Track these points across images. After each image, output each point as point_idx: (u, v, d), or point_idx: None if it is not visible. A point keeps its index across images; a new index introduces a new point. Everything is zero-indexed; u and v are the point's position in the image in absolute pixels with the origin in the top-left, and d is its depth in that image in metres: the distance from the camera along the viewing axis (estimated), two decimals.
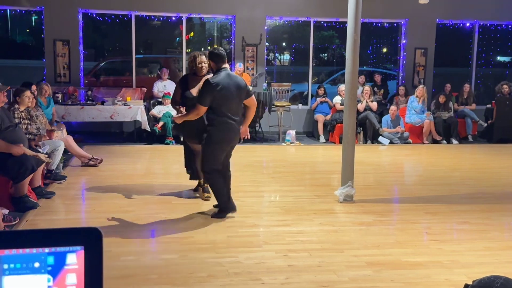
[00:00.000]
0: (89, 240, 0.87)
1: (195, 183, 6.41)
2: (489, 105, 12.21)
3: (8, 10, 12.41)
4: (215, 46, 5.56)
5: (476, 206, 6.08)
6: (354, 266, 4.22)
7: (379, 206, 6.04)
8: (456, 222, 5.46)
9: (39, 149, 6.20)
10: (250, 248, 4.59)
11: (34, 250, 0.84)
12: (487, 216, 5.67)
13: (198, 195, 6.25)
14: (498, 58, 16.21)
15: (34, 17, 16.62)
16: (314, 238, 4.89)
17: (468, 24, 12.78)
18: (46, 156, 6.08)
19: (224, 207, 5.41)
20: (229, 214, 5.43)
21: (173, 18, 11.82)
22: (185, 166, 6.37)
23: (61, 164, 7.38)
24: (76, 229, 0.88)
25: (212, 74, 5.38)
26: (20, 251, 0.84)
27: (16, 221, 4.77)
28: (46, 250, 0.84)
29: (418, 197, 6.49)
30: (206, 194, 6.12)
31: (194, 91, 5.77)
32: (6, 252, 0.84)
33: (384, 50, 20.50)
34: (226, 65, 5.33)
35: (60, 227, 0.90)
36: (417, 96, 11.10)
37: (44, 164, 6.03)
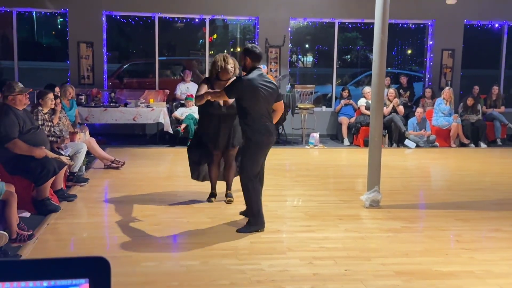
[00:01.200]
0: (95, 271, 0.75)
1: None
2: None
3: (34, 12, 12.51)
4: (253, 44, 5.18)
5: (508, 212, 5.85)
6: (382, 276, 4.06)
7: (406, 212, 5.86)
8: (488, 230, 5.25)
9: (61, 152, 6.17)
10: (273, 255, 4.46)
11: (31, 284, 0.72)
12: None
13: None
14: None
15: (59, 20, 16.77)
16: (340, 245, 4.73)
17: (497, 25, 12.45)
18: (68, 158, 6.04)
19: (254, 221, 5.08)
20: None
21: (196, 20, 11.76)
22: (192, 171, 6.20)
23: (84, 167, 7.36)
24: (80, 259, 0.76)
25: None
26: (15, 284, 0.72)
27: (30, 232, 4.68)
28: (45, 283, 0.72)
29: (447, 203, 6.27)
30: (228, 198, 6.05)
31: None
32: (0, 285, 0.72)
33: (409, 51, 20.20)
34: (260, 65, 5.15)
35: (62, 257, 0.78)
36: (444, 98, 10.83)
37: (66, 166, 5.99)
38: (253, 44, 5.23)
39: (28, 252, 4.40)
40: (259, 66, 5.06)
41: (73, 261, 0.76)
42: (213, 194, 6.15)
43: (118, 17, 11.51)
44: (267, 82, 5.01)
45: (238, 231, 5.03)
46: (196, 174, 6.19)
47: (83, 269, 0.74)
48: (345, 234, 5.05)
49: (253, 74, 4.96)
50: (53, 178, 5.60)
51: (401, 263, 4.31)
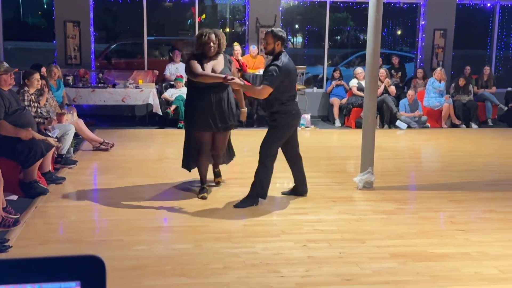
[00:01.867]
0: (88, 273, 0.64)
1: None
2: (509, 88, 11.84)
3: None
4: (278, 28, 5.15)
5: (502, 193, 5.82)
6: (378, 258, 4.01)
7: (400, 194, 5.81)
8: (482, 211, 5.22)
9: (49, 133, 6.03)
10: (268, 238, 4.39)
11: None
12: None
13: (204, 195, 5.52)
14: None
15: (45, 0, 16.44)
16: (334, 227, 4.68)
17: (488, 5, 12.35)
18: (56, 140, 5.90)
19: (254, 195, 5.16)
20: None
21: None
22: (187, 157, 5.70)
23: (72, 149, 7.22)
24: (70, 259, 0.65)
25: (269, 56, 5.23)
26: None
27: (17, 216, 4.57)
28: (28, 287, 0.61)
29: (441, 184, 6.24)
30: (217, 179, 5.93)
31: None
32: None
33: (399, 32, 20.07)
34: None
35: (50, 256, 0.67)
36: (436, 79, 10.76)
37: (54, 148, 5.85)
38: (279, 28, 5.32)
39: (16, 236, 4.30)
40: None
41: (62, 261, 0.65)
42: (205, 189, 5.56)
43: None
44: (293, 65, 5.23)
45: (235, 206, 5.15)
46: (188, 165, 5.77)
47: (74, 270, 0.63)
48: (339, 216, 4.99)
49: (285, 58, 5.04)
50: (41, 160, 5.47)
51: (396, 245, 4.27)
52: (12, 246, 4.04)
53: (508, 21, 12.96)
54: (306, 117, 10.41)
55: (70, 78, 10.17)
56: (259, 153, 5.20)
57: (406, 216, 5.06)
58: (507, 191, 5.92)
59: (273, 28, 5.18)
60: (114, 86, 10.20)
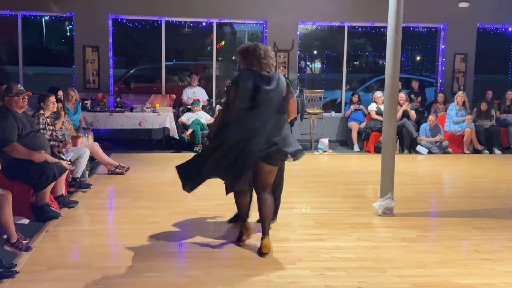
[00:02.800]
0: None
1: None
2: None
3: (41, 17, 12.39)
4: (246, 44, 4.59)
5: None
6: None
7: (421, 220, 5.59)
8: (508, 239, 4.97)
9: (62, 156, 5.97)
10: (282, 265, 4.21)
11: None
12: None
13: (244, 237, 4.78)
14: None
15: (68, 27, 16.67)
16: (352, 255, 4.48)
17: (510, 29, 12.17)
18: (69, 163, 5.84)
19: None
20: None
21: (204, 24, 11.58)
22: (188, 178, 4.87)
23: (87, 172, 7.17)
24: None
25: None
26: None
27: (27, 241, 4.48)
28: None
29: (464, 211, 6.00)
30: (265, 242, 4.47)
31: None
32: None
33: (418, 58, 19.92)
34: None
35: None
36: (457, 104, 10.55)
37: (67, 172, 5.78)
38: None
39: (25, 260, 4.19)
40: None
41: None
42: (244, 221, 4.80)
43: (125, 21, 11.34)
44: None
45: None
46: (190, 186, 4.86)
47: None
48: (358, 243, 4.80)
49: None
50: (53, 184, 5.39)
51: (418, 275, 4.05)
52: (19, 272, 3.93)
53: None
54: (324, 141, 10.26)
55: (88, 102, 10.21)
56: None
57: (428, 244, 4.84)
58: None
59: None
60: (131, 110, 10.20)
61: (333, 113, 12.04)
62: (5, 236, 4.25)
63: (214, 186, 5.91)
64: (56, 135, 6.55)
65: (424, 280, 3.95)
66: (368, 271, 4.12)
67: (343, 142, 11.42)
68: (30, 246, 4.42)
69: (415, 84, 11.81)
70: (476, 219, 5.66)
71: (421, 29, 12.63)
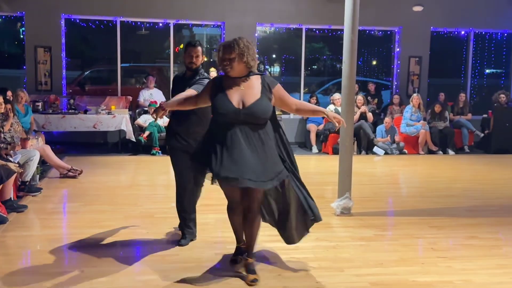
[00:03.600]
0: None
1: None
2: (485, 115, 11.87)
3: None
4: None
5: (483, 219, 5.66)
6: (357, 287, 3.77)
7: (379, 220, 5.61)
8: (464, 237, 5.03)
9: (10, 158, 5.71)
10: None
11: None
12: (497, 230, 5.27)
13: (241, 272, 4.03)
14: (488, 70, 15.96)
15: (22, 29, 16.18)
16: (311, 255, 4.44)
17: (463, 32, 12.48)
18: (18, 165, 5.59)
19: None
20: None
21: (160, 25, 11.40)
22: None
23: (37, 176, 6.90)
24: None
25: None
26: None
27: None
28: None
29: (420, 210, 6.06)
30: (252, 277, 3.84)
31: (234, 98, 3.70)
32: None
33: (374, 62, 20.22)
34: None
35: None
36: (413, 106, 10.73)
37: (15, 174, 5.54)
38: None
39: None
40: None
41: None
42: (241, 250, 4.19)
43: (78, 21, 11.04)
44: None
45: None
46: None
47: None
48: (316, 243, 4.76)
49: None
50: (0, 187, 5.14)
51: (376, 274, 4.04)
52: None
53: (482, 49, 13.10)
54: None
55: (40, 104, 9.88)
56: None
57: (386, 243, 4.84)
58: (487, 217, 5.77)
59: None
60: (85, 112, 9.94)
61: (291, 115, 12.04)
62: None
63: (171, 189, 5.79)
64: (4, 137, 6.28)
65: (382, 279, 3.93)
66: (326, 271, 4.08)
67: (301, 144, 11.43)
68: None
69: (371, 87, 11.96)
70: (432, 217, 5.71)
71: (376, 33, 12.82)
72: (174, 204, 4.75)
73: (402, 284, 3.85)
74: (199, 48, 4.52)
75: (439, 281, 3.92)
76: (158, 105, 10.48)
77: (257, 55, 3.76)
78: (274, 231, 5.05)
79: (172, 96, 4.46)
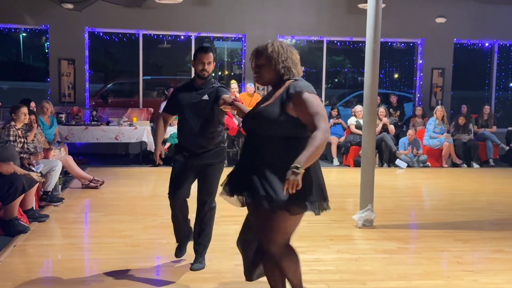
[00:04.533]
0: None
1: None
2: (510, 128, 11.66)
3: (21, 36, 12.18)
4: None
5: (509, 232, 5.53)
6: None
7: (402, 232, 5.51)
8: (489, 251, 4.91)
9: (33, 168, 5.77)
10: (261, 279, 4.05)
11: None
12: None
13: None
14: None
15: (46, 43, 16.52)
16: (333, 267, 4.36)
17: (487, 44, 12.32)
18: (40, 175, 5.63)
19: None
20: None
21: (182, 37, 11.49)
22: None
23: (60, 186, 6.95)
24: None
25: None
26: None
27: None
28: None
29: (444, 223, 5.94)
30: None
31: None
32: None
33: (396, 75, 20.09)
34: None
35: None
36: (436, 118, 10.58)
37: (37, 184, 5.58)
38: None
39: None
40: None
41: None
42: None
43: (101, 34, 11.20)
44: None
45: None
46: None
47: None
48: (338, 255, 4.68)
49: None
50: (22, 196, 5.19)
51: (399, 287, 3.94)
52: None
53: (506, 61, 12.93)
54: None
55: (63, 116, 10.00)
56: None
57: (409, 256, 4.74)
58: None
59: None
60: (107, 123, 10.02)
61: None
62: None
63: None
64: (27, 147, 6.36)
65: None
66: (349, 283, 4.00)
67: (322, 156, 11.33)
68: None
69: (393, 99, 11.85)
70: (456, 231, 5.59)
71: (399, 45, 12.73)
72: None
73: None
74: (211, 54, 4.12)
75: None
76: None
77: (298, 61, 3.16)
78: (295, 243, 4.99)
79: (169, 111, 4.27)
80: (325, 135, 2.82)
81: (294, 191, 2.74)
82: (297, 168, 2.71)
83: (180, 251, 4.46)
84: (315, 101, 2.93)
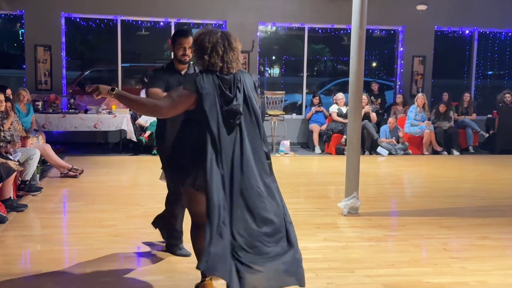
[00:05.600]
0: None
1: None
2: (490, 115, 11.76)
3: None
4: None
5: (494, 219, 5.54)
6: None
7: (387, 220, 5.49)
8: (476, 237, 4.90)
9: (10, 157, 5.59)
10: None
11: None
12: (508, 230, 5.15)
13: None
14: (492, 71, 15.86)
15: (21, 31, 16.10)
16: (320, 255, 4.31)
17: (467, 31, 12.36)
18: (17, 164, 5.45)
19: None
20: None
21: (162, 24, 11.28)
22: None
23: (38, 175, 6.78)
24: None
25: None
26: None
27: None
28: None
29: (429, 210, 5.94)
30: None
31: None
32: None
33: (374, 64, 20.12)
34: None
35: None
36: (417, 106, 10.61)
37: (15, 173, 5.41)
38: None
39: None
40: None
41: None
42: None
43: (78, 20, 10.93)
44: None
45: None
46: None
47: None
48: (324, 243, 4.63)
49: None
50: (0, 186, 5.01)
51: (388, 275, 3.91)
52: None
53: (485, 49, 13.00)
54: (285, 143, 10.12)
55: (40, 103, 9.75)
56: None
57: (396, 243, 4.71)
58: (497, 217, 5.65)
59: None
60: (86, 111, 9.81)
61: (294, 115, 11.92)
62: None
63: None
64: (4, 136, 6.16)
65: (395, 280, 3.81)
66: (337, 271, 3.95)
67: (304, 144, 11.31)
68: None
69: (374, 87, 11.84)
70: (441, 217, 5.59)
71: (379, 32, 12.69)
72: None
73: (415, 286, 3.72)
74: (191, 38, 3.90)
75: (454, 282, 3.80)
76: None
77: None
78: None
79: (162, 87, 3.86)
80: (154, 108, 3.12)
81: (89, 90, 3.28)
82: (113, 89, 3.18)
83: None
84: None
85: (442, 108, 10.89)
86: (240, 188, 3.03)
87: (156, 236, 4.69)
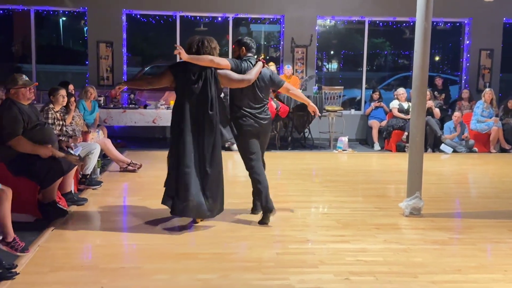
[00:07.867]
0: None
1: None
2: None
3: (60, 20, 12.20)
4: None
5: None
6: None
7: (452, 222, 5.22)
8: None
9: (71, 151, 5.69)
10: (304, 269, 3.87)
11: None
12: None
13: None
14: None
15: (85, 28, 16.63)
16: (380, 258, 4.12)
17: None
18: (78, 158, 5.55)
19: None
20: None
21: (219, 19, 11.28)
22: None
23: (98, 169, 6.90)
24: None
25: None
26: None
27: (22, 245, 4.00)
28: None
29: (497, 212, 5.61)
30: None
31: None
32: None
33: (436, 58, 19.43)
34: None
35: None
36: (484, 101, 10.11)
37: (76, 167, 5.50)
38: (246, 37, 5.35)
39: (26, 261, 3.90)
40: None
41: None
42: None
43: (139, 16, 11.09)
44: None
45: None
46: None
47: None
48: (385, 245, 4.44)
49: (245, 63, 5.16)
50: (61, 180, 5.12)
51: (453, 281, 3.69)
52: (19, 273, 3.64)
53: None
54: (343, 140, 9.90)
55: (102, 99, 9.96)
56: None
57: (462, 247, 4.46)
58: None
59: (239, 37, 5.29)
60: (145, 107, 9.95)
61: (352, 111, 11.66)
62: (0, 236, 3.95)
63: (228, 185, 5.62)
64: (66, 130, 6.30)
65: (461, 287, 3.58)
66: (398, 276, 3.76)
67: (363, 141, 11.04)
68: (27, 248, 4.08)
69: (438, 81, 11.39)
70: (510, 220, 5.26)
71: (444, 25, 12.20)
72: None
73: None
74: None
75: None
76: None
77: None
78: (339, 231, 4.79)
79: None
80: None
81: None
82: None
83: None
84: None
85: (510, 104, 10.33)
86: None
87: (213, 233, 4.64)
